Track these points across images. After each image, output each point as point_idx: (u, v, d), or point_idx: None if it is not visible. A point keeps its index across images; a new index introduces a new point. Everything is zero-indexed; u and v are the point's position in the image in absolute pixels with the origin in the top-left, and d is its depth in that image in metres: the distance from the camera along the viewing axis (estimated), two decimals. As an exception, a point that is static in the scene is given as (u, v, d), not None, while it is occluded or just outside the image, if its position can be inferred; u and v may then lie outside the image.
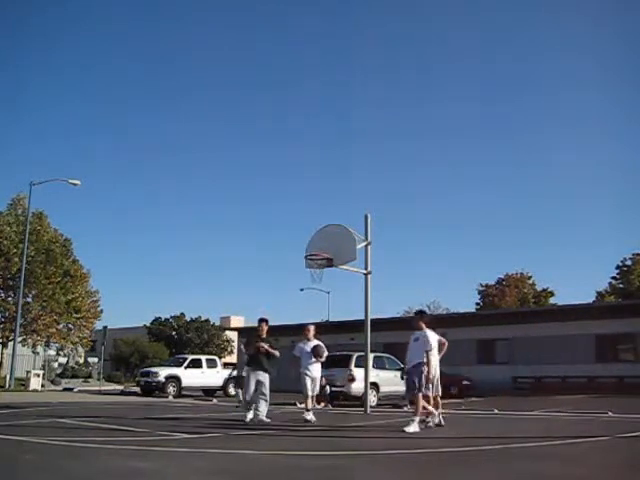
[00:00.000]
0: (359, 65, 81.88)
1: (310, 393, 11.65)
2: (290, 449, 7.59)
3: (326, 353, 12.02)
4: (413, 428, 9.23)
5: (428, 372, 9.71)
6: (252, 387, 11.28)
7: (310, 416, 11.24)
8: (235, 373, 17.64)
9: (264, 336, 11.30)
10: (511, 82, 78.61)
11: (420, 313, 10.66)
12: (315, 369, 11.82)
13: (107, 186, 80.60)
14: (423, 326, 10.03)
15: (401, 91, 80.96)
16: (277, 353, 11.15)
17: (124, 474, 5.56)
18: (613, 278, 53.20)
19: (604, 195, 74.48)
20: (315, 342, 11.88)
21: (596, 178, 76.00)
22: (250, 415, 10.99)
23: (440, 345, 10.20)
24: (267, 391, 10.97)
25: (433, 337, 10.24)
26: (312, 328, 12.15)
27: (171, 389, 24.46)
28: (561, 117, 78.61)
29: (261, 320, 11.61)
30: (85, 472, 5.65)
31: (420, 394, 9.62)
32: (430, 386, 10.09)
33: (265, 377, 10.99)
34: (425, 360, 9.69)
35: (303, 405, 12.19)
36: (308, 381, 11.62)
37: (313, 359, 11.71)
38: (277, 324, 26.49)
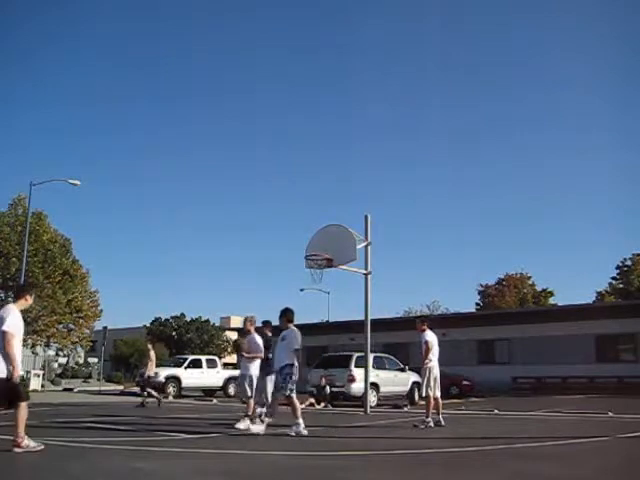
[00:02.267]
0: (359, 65, 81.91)
1: (250, 394, 10.17)
2: (290, 449, 7.56)
3: (257, 347, 10.20)
4: (296, 430, 8.74)
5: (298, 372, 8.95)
6: (261, 389, 11.16)
7: (255, 427, 9.31)
8: (147, 373, 17.43)
9: (269, 337, 11.25)
10: (511, 82, 78.67)
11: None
12: (249, 367, 10.24)
13: (107, 186, 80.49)
14: (291, 327, 9.48)
15: (401, 90, 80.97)
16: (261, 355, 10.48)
17: (124, 474, 5.56)
18: (613, 278, 53.21)
19: (604, 195, 74.58)
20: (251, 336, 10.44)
21: (596, 178, 76.11)
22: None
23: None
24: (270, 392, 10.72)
25: (423, 336, 10.13)
26: (248, 321, 10.59)
27: (171, 389, 24.45)
28: (561, 117, 78.60)
29: (263, 322, 11.63)
30: (85, 472, 5.63)
31: (293, 396, 8.97)
32: (432, 386, 10.11)
33: (267, 379, 10.91)
34: (293, 362, 9.02)
35: (319, 405, 11.47)
36: (246, 381, 10.22)
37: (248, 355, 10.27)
38: (277, 324, 26.52)
